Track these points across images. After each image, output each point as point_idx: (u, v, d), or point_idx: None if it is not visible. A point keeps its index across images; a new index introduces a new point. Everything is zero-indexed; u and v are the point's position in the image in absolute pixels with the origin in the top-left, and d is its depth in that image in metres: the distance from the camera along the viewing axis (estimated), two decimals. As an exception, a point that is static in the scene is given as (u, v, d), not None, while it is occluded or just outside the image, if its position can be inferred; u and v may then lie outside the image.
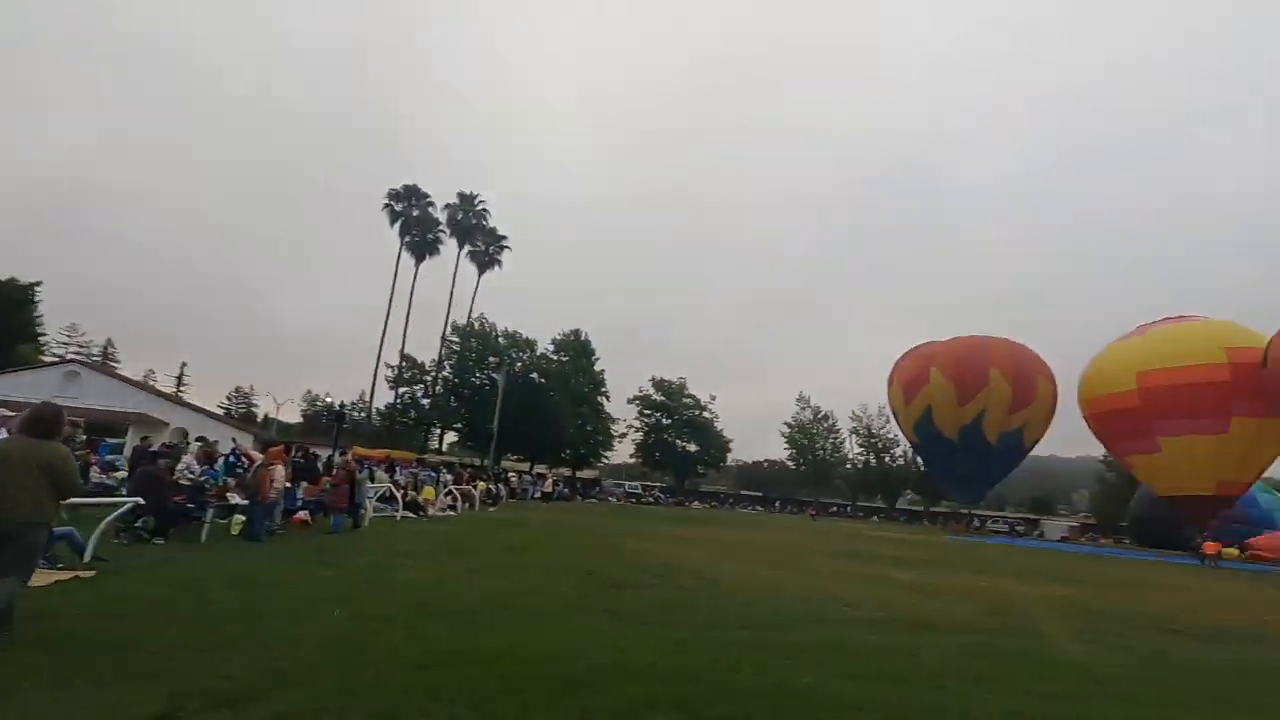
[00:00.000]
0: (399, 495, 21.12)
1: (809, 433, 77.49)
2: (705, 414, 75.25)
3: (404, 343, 63.32)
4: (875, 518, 75.71)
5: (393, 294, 63.08)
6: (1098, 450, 71.56)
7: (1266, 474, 46.59)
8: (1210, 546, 33.99)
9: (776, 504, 79.39)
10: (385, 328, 62.33)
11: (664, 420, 75.45)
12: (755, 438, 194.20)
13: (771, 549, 20.70)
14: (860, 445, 77.55)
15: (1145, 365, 41.49)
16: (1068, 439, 62.09)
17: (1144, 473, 44.29)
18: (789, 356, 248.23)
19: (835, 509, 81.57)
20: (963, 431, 50.88)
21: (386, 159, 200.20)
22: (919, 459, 66.02)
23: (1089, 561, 28.51)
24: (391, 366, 62.90)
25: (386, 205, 64.22)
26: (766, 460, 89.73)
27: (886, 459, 76.64)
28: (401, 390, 63.56)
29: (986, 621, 9.61)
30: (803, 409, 78.76)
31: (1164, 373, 40.39)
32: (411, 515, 21.17)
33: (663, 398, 75.19)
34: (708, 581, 11.43)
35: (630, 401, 75.12)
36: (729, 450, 77.60)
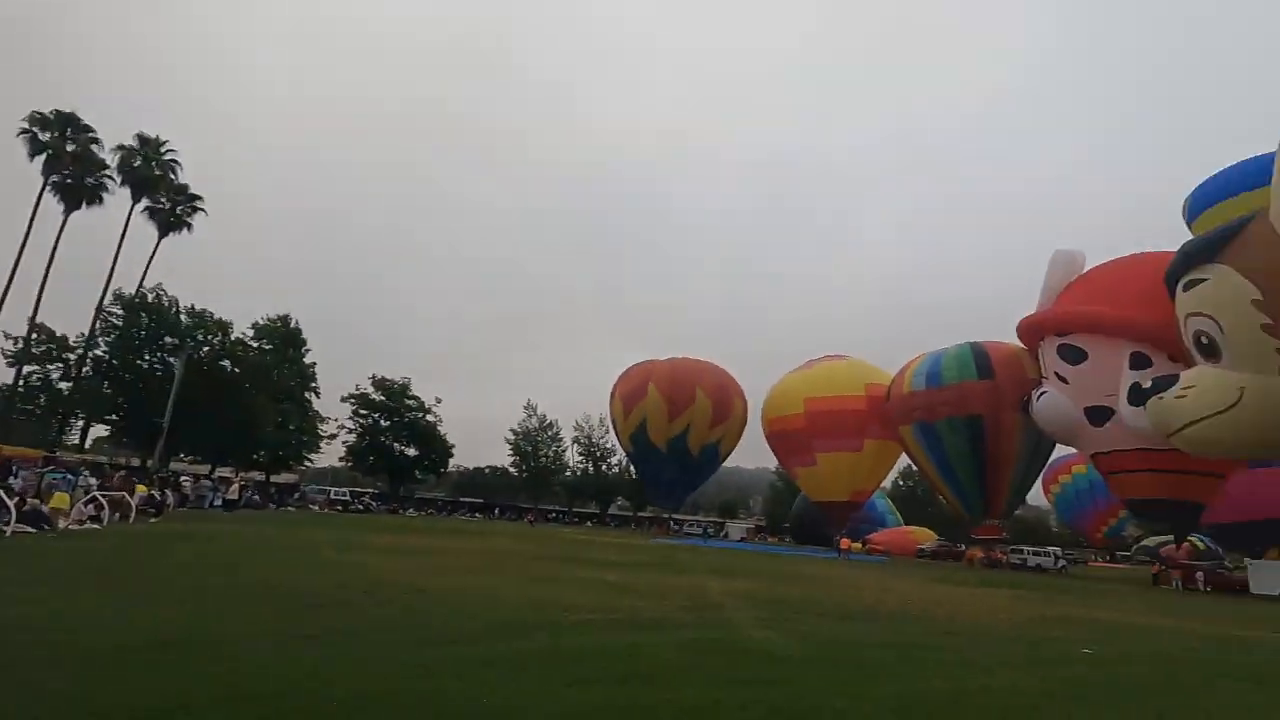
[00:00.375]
0: (9, 503, 16.36)
1: (534, 440, 78.93)
2: (429, 417, 71.95)
3: (36, 309, 49.47)
4: (589, 523, 79.62)
5: (24, 246, 48.97)
6: (771, 462, 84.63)
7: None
8: (844, 542, 42.17)
9: (496, 511, 79.04)
10: (8, 286, 48.09)
11: (382, 422, 70.33)
12: (482, 444, 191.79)
13: (489, 556, 20.40)
14: (580, 454, 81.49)
15: (810, 393, 50.27)
16: (749, 451, 72.29)
17: (804, 482, 53.39)
18: (522, 366, 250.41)
19: (554, 515, 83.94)
20: (670, 443, 56.25)
21: (34, 70, 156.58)
22: (632, 467, 71.33)
23: (763, 558, 33.35)
24: (14, 338, 48.73)
25: (26, 132, 49.96)
26: (489, 467, 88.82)
27: (604, 467, 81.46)
28: (29, 369, 49.57)
29: (688, 616, 10.58)
30: (530, 416, 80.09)
31: (823, 400, 49.36)
32: (30, 529, 16.52)
33: (383, 398, 70.08)
34: (422, 594, 10.78)
35: (345, 400, 68.65)
36: (451, 456, 75.20)
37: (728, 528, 69.02)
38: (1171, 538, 51.83)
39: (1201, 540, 46.33)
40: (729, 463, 67.04)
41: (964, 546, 50.17)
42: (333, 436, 66.64)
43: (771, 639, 8.82)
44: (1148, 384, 30.60)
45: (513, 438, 79.48)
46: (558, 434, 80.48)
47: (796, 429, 50.50)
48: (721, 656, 7.48)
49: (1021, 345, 39.50)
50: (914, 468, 64.99)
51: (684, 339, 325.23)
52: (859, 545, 50.48)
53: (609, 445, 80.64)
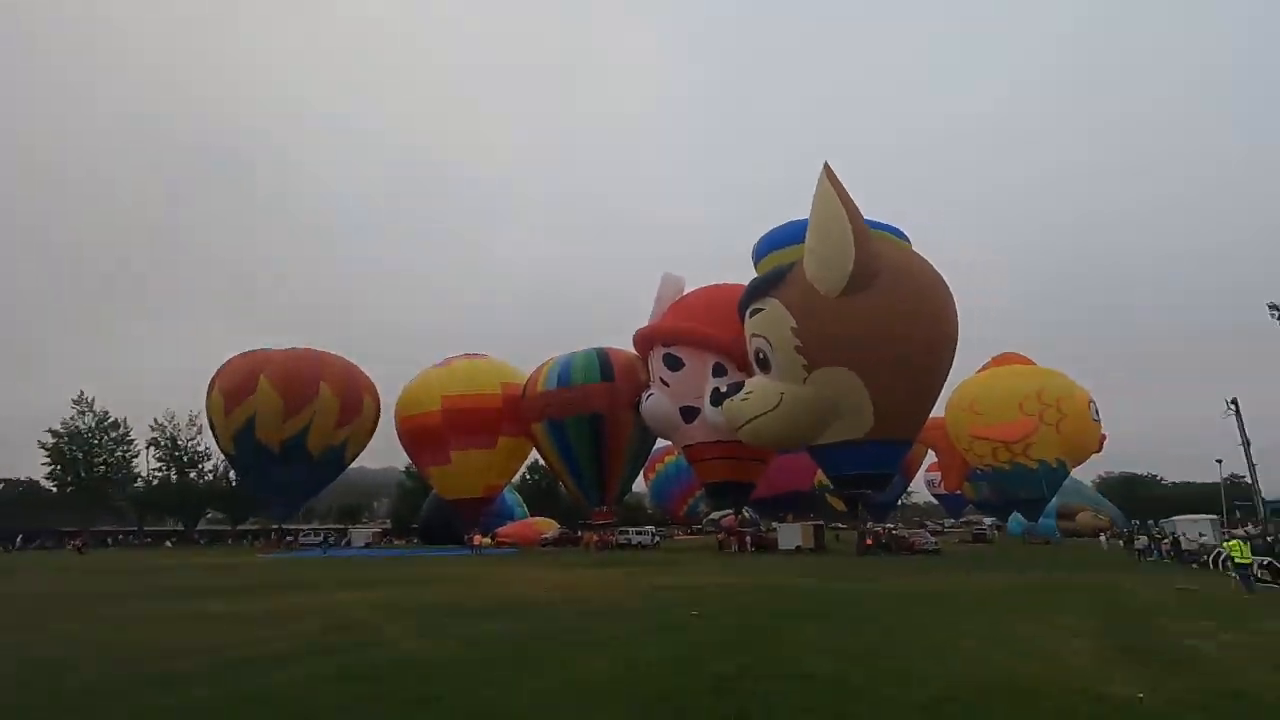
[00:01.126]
0: None
1: (87, 444, 60.98)
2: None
3: None
4: (169, 542, 65.17)
5: None
6: (399, 461, 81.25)
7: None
8: (476, 538, 42.87)
9: (18, 540, 58.48)
10: None
11: None
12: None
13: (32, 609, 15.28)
14: (160, 459, 65.72)
15: (448, 390, 49.79)
16: (374, 451, 67.78)
17: (437, 481, 52.51)
18: (66, 350, 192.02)
19: (119, 537, 66.46)
20: (286, 444, 49.70)
21: None
22: (233, 473, 60.76)
23: (396, 563, 31.82)
24: None
25: None
26: (4, 480, 66.27)
27: (192, 475, 67.23)
28: None
29: (333, 638, 9.58)
30: (81, 413, 61.70)
31: (461, 398, 49.35)
32: None
33: None
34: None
35: None
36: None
37: (351, 534, 63.69)
38: (729, 511, 65.92)
39: (747, 511, 59.50)
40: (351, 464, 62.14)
41: (579, 532, 55.52)
42: None
43: (427, 649, 8.58)
44: (724, 389, 38.56)
45: (52, 441, 60.46)
46: (126, 435, 63.85)
47: (432, 426, 49.45)
48: (369, 684, 6.88)
49: (637, 353, 45.62)
50: (540, 462, 69.58)
51: (299, 325, 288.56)
52: (489, 540, 51.79)
53: (202, 448, 67.46)
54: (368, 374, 56.36)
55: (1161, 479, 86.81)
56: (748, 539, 42.90)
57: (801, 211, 33.90)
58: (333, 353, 55.39)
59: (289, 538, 61.07)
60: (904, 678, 6.70)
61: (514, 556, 38.19)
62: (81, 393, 63.71)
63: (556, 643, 9.03)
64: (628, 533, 49.98)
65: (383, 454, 75.57)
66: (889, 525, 49.83)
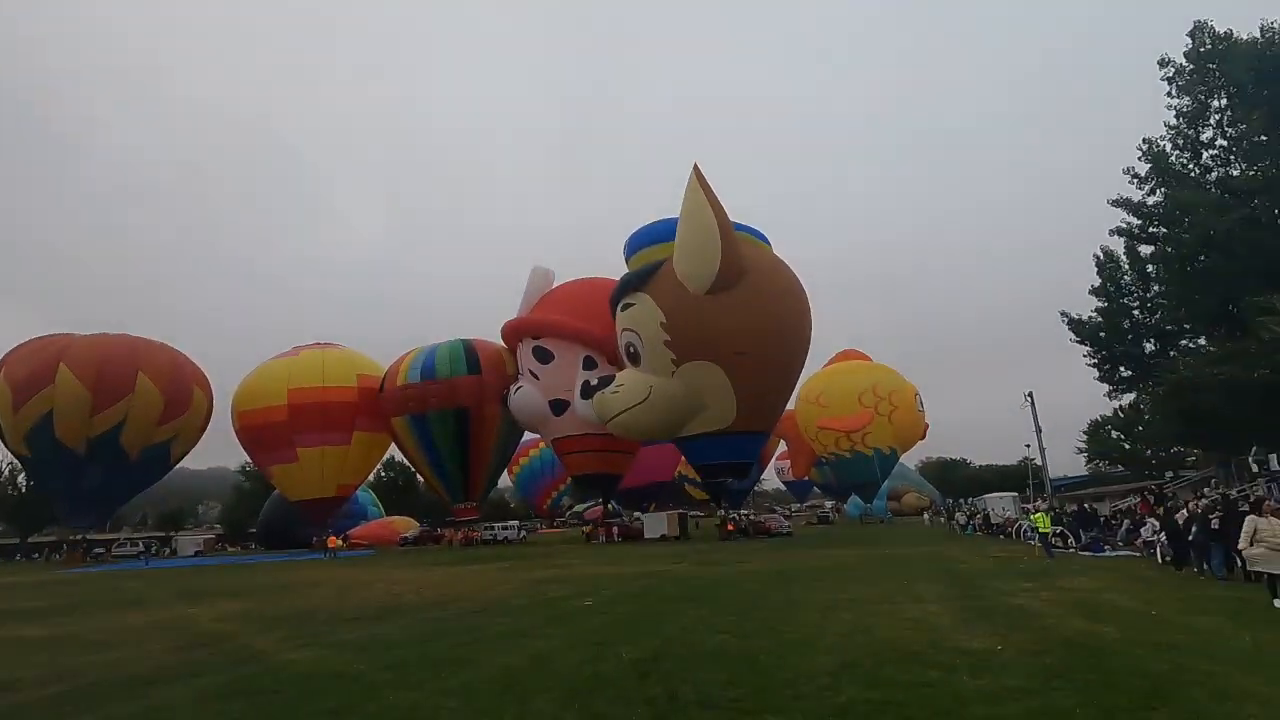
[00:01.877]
0: None
1: None
2: None
3: None
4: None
5: None
6: (232, 460, 73.85)
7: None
8: (332, 541, 40.07)
9: None
10: None
11: None
12: None
13: None
14: None
15: (296, 383, 45.97)
16: (198, 452, 60.67)
17: (281, 481, 48.28)
18: None
19: None
20: (93, 444, 43.42)
21: None
22: (25, 477, 52.02)
23: (241, 571, 28.96)
24: None
25: None
26: None
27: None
28: None
29: (198, 655, 8.64)
30: None
31: (310, 391, 45.75)
32: None
33: None
34: None
35: None
36: None
37: (177, 542, 56.71)
38: (589, 504, 66.45)
39: (612, 504, 60.43)
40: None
41: (440, 530, 53.58)
42: None
43: (316, 658, 8.02)
44: (595, 382, 38.90)
45: None
46: None
47: (277, 422, 45.35)
48: (268, 697, 6.37)
49: (504, 345, 44.69)
50: (396, 458, 66.15)
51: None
52: (342, 542, 48.53)
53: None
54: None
55: (971, 462, 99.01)
56: (614, 529, 43.62)
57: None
58: (154, 339, 49.07)
59: (98, 550, 53.48)
60: (806, 648, 7.28)
61: (373, 558, 36.14)
62: None
63: (454, 641, 8.78)
64: (493, 528, 49.01)
65: (210, 454, 68.22)
66: (745, 511, 52.73)
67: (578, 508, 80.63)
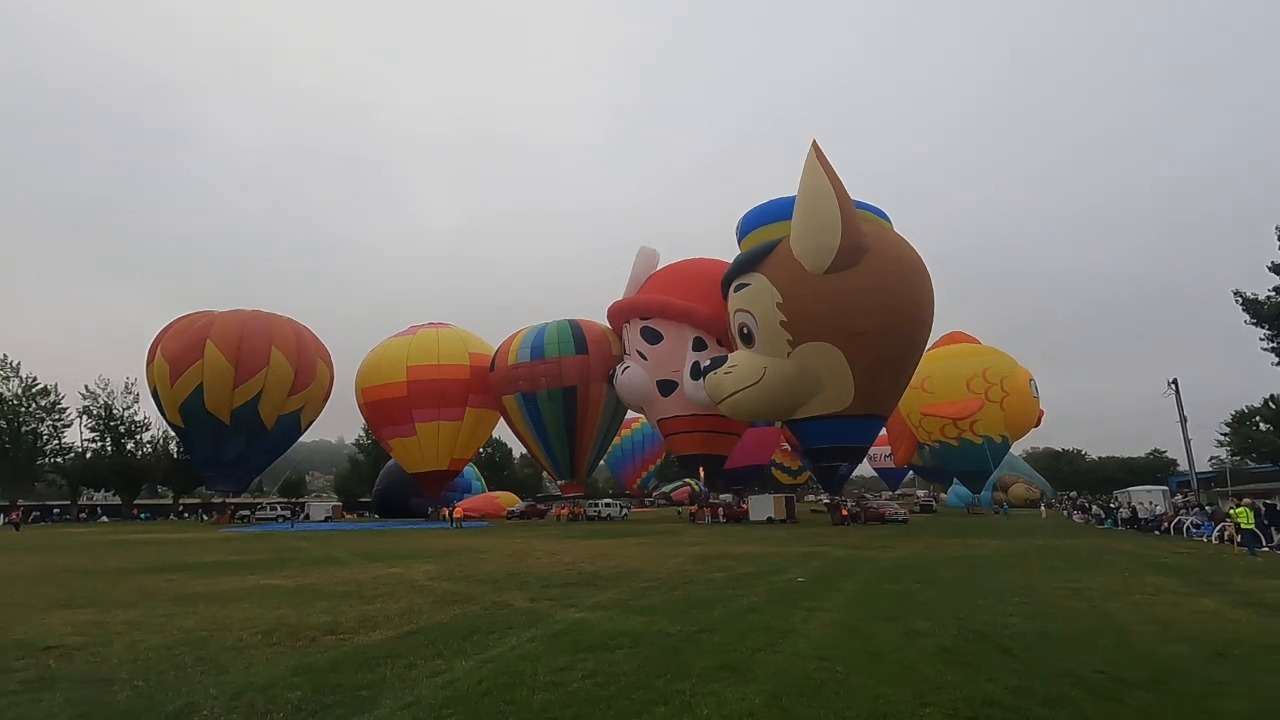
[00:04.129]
0: None
1: (14, 411, 55.35)
2: None
3: None
4: (105, 517, 60.65)
5: None
6: (329, 434, 77.81)
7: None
8: (458, 511, 42.06)
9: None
10: None
11: None
12: None
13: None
14: (94, 429, 60.51)
15: (414, 361, 48.18)
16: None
17: (400, 453, 50.85)
18: None
19: (54, 512, 61.78)
20: (236, 414, 46.98)
21: None
22: (177, 445, 56.86)
23: (387, 537, 30.35)
24: None
25: None
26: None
27: (130, 446, 62.34)
28: None
29: (470, 610, 9.16)
30: (5, 378, 55.83)
31: (427, 368, 47.87)
32: None
33: None
34: None
35: None
36: None
37: (309, 508, 60.88)
38: (675, 485, 66.67)
39: (697, 484, 60.48)
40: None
41: (541, 505, 55.21)
42: None
43: (607, 617, 8.39)
44: (706, 363, 38.92)
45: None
46: (56, 403, 58.39)
47: (396, 398, 47.81)
48: (633, 647, 6.70)
49: (609, 327, 45.34)
50: (495, 434, 68.42)
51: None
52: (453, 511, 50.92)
53: (141, 418, 62.66)
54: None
55: (1085, 453, 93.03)
56: (720, 510, 43.79)
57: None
58: (283, 316, 52.37)
59: (243, 513, 58.05)
60: (1139, 635, 7.18)
61: (492, 529, 37.65)
62: (4, 356, 57.71)
63: (729, 609, 9.05)
64: (597, 505, 50.13)
65: (319, 425, 72.39)
66: (869, 495, 51.83)
67: (665, 488, 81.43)
